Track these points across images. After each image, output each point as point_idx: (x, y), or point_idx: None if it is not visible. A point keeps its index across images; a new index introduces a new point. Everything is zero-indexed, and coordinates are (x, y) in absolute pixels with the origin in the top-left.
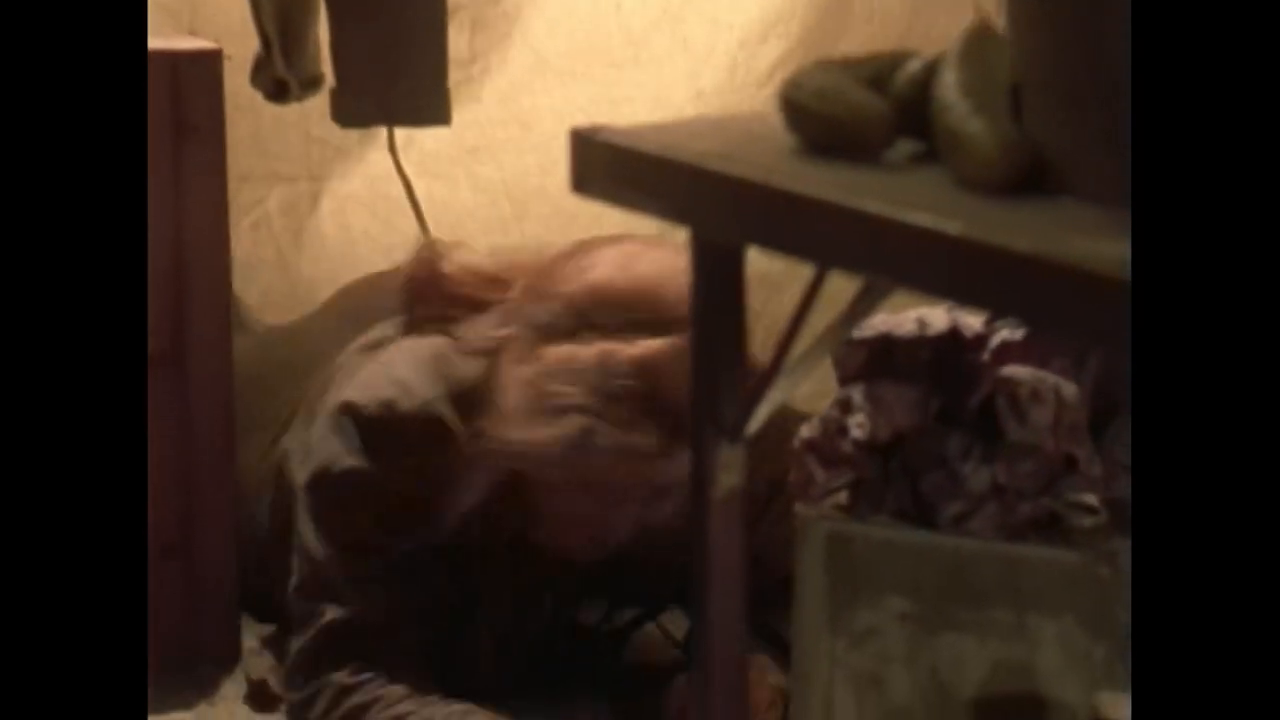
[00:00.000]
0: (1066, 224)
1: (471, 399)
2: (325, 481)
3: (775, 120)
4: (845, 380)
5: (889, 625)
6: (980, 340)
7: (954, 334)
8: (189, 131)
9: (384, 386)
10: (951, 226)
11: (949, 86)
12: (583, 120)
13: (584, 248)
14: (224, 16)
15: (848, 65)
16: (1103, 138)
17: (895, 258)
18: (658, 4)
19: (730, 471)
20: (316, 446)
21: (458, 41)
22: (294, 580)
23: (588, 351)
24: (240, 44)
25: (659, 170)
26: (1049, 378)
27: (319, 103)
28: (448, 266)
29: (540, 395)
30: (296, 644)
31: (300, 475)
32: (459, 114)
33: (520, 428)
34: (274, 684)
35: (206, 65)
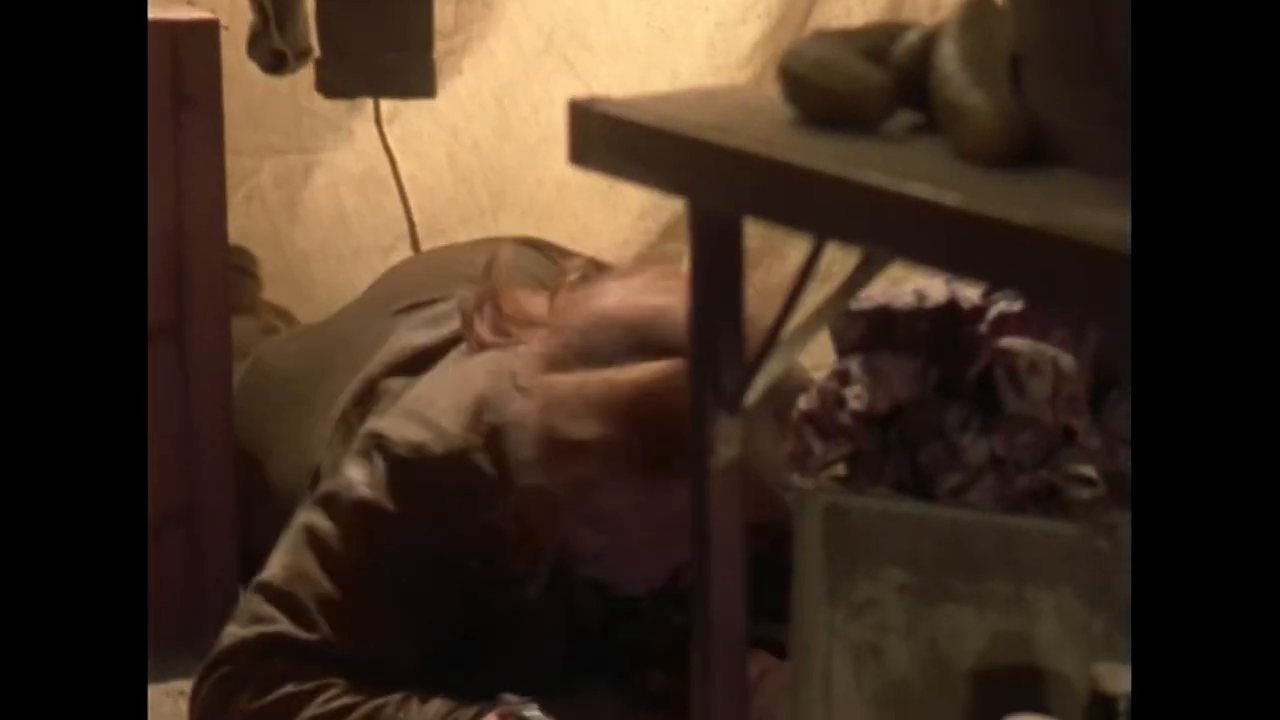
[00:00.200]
0: (1066, 195)
1: (518, 437)
2: (334, 503)
3: (773, 92)
4: (843, 352)
5: (887, 597)
6: (978, 312)
7: (952, 306)
8: (187, 102)
9: (418, 426)
10: (950, 198)
11: (948, 58)
12: (559, 107)
13: (593, 277)
14: None
15: (846, 36)
16: (1103, 109)
17: (894, 229)
18: None
19: (729, 443)
20: (343, 464)
21: (442, 11)
22: (264, 575)
23: (594, 379)
24: (230, 16)
25: (657, 141)
26: (1047, 350)
27: (309, 74)
28: (504, 303)
29: (551, 429)
30: (237, 634)
31: (321, 485)
32: (441, 90)
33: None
34: None
35: (205, 35)
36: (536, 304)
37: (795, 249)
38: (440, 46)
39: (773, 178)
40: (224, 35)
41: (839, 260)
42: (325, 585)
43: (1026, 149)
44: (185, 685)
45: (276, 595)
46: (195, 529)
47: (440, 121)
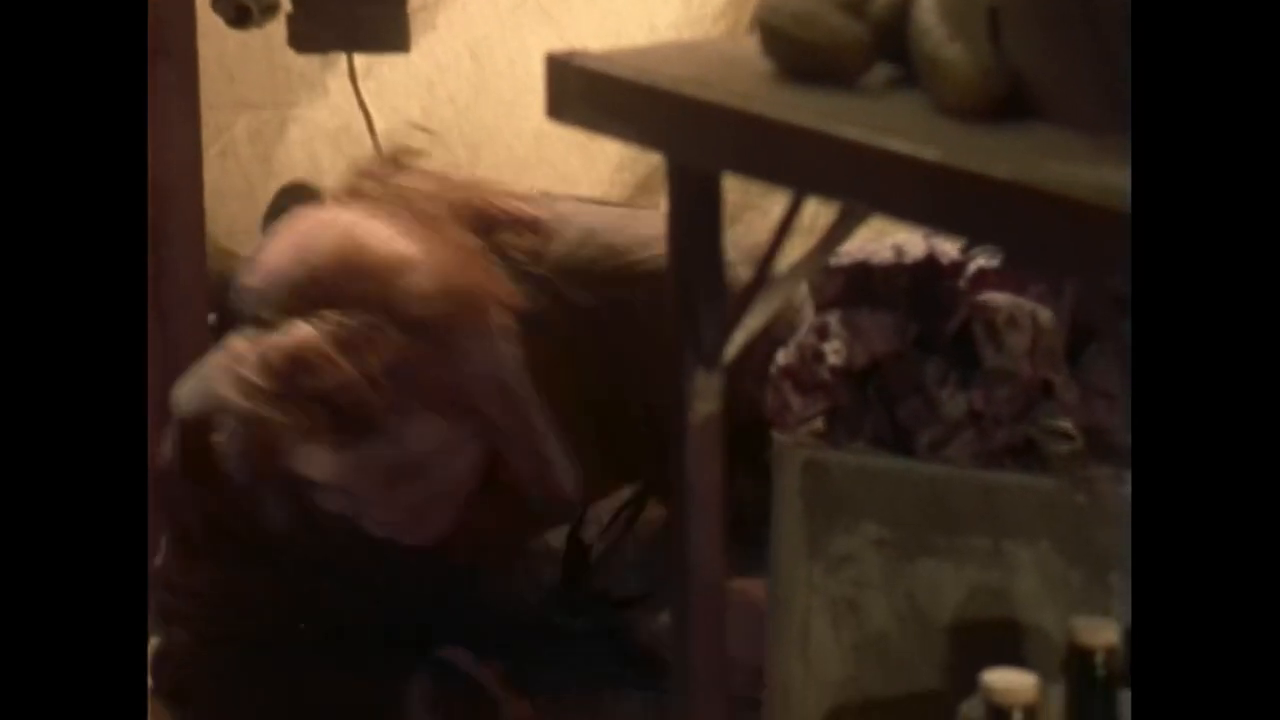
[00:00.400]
0: (1045, 149)
1: None
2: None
3: (752, 45)
4: (822, 307)
5: (866, 551)
6: (957, 267)
7: (931, 260)
8: (162, 55)
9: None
10: (929, 152)
11: (927, 10)
12: (536, 60)
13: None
14: None
15: None
16: (1083, 62)
17: (873, 184)
18: None
19: (707, 399)
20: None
21: None
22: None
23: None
24: None
25: (635, 96)
26: (1026, 304)
27: (283, 29)
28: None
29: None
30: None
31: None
32: (415, 44)
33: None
34: None
35: None
36: None
37: (777, 204)
38: (414, 0)
39: (751, 132)
40: None
41: (820, 215)
42: None
43: (1006, 102)
44: None
45: None
46: None
47: (415, 75)
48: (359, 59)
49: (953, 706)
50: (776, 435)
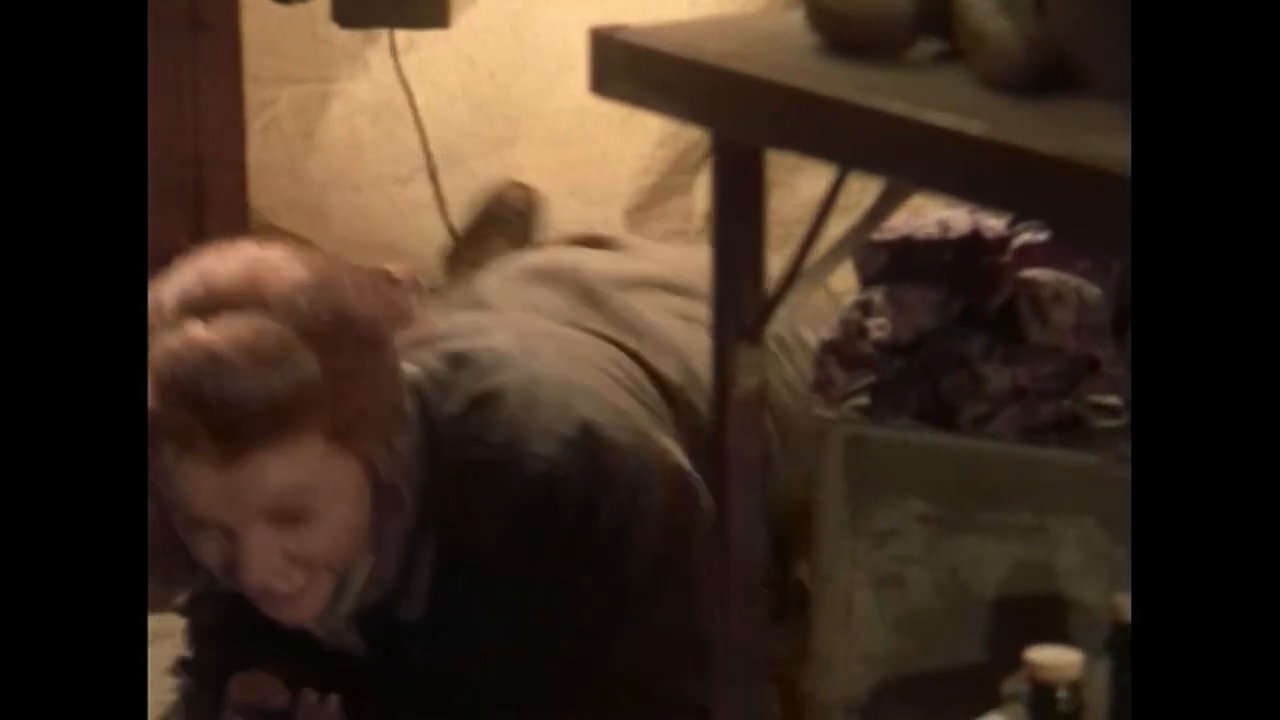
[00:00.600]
0: (1090, 124)
1: None
2: None
3: (795, 19)
4: (866, 282)
5: (909, 526)
6: (1002, 242)
7: (976, 236)
8: (204, 29)
9: None
10: (974, 127)
11: None
12: (577, 34)
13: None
14: None
15: None
16: (1128, 35)
17: (917, 159)
18: None
19: (749, 372)
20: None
21: None
22: None
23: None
24: None
25: (679, 70)
26: (1071, 279)
27: (325, 4)
28: None
29: None
30: None
31: None
32: (456, 20)
33: None
34: None
35: None
36: None
37: (807, 180)
38: None
39: (795, 107)
40: None
41: (857, 192)
42: None
43: (1051, 76)
44: None
45: None
46: None
47: (456, 51)
48: (400, 34)
49: (995, 682)
50: (820, 410)
